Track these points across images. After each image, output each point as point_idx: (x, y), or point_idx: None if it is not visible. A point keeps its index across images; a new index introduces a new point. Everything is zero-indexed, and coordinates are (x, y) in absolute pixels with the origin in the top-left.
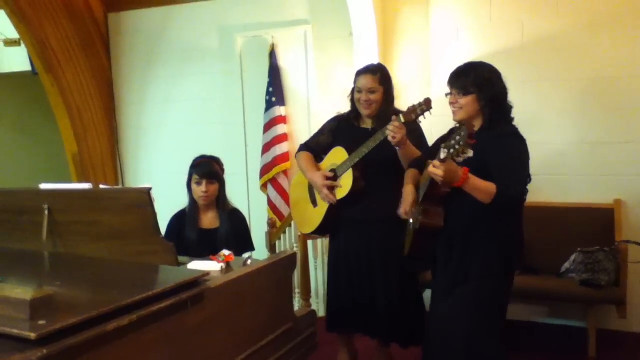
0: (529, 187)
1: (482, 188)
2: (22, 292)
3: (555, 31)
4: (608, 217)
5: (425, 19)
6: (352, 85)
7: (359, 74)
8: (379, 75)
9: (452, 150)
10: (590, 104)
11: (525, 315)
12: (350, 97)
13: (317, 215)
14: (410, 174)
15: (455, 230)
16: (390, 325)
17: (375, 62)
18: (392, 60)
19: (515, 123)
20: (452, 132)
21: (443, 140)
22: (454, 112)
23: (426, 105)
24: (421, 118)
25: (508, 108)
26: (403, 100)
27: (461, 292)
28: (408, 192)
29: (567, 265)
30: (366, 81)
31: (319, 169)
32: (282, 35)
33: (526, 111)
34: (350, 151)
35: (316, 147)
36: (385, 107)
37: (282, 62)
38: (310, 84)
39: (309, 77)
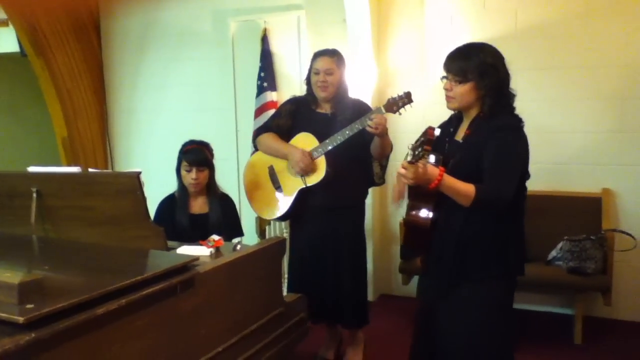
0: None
1: (460, 190)
2: (11, 276)
3: (549, 19)
4: (596, 206)
5: (419, 6)
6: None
7: (316, 56)
8: (335, 57)
9: (415, 153)
10: (581, 92)
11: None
12: (306, 81)
13: (283, 201)
14: None
15: (449, 229)
16: (355, 310)
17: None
18: (386, 46)
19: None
20: (450, 120)
21: (443, 129)
22: (447, 99)
23: (407, 97)
24: (401, 110)
25: (510, 96)
26: (397, 88)
27: (457, 297)
28: (397, 181)
29: (554, 253)
30: (324, 62)
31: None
32: (275, 20)
33: (517, 99)
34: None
35: (277, 130)
36: (342, 93)
37: (275, 47)
38: (302, 70)
39: (301, 62)
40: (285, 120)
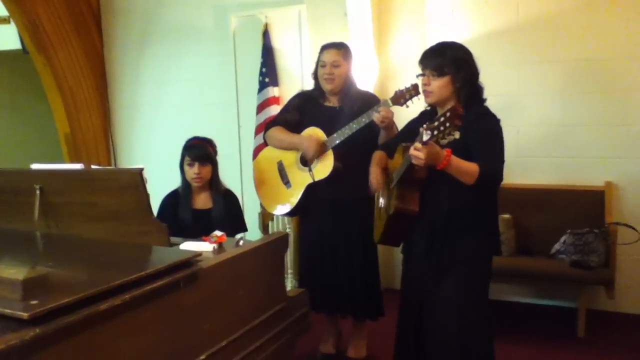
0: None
1: (466, 169)
2: (15, 272)
3: (551, 11)
4: (599, 199)
5: None
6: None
7: (323, 48)
8: (342, 50)
9: (436, 132)
10: (585, 85)
11: (516, 295)
12: (313, 75)
13: (292, 196)
14: (377, 156)
15: (436, 217)
16: (367, 302)
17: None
18: (387, 40)
19: (490, 104)
20: (423, 115)
21: (415, 123)
22: (425, 94)
23: (414, 90)
24: (409, 103)
25: (480, 89)
26: (398, 81)
27: (450, 278)
28: (376, 172)
29: (557, 246)
30: (330, 55)
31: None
32: (276, 14)
33: (520, 92)
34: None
35: (285, 125)
36: (349, 85)
37: (276, 42)
38: (304, 65)
39: (302, 57)
40: (293, 115)
